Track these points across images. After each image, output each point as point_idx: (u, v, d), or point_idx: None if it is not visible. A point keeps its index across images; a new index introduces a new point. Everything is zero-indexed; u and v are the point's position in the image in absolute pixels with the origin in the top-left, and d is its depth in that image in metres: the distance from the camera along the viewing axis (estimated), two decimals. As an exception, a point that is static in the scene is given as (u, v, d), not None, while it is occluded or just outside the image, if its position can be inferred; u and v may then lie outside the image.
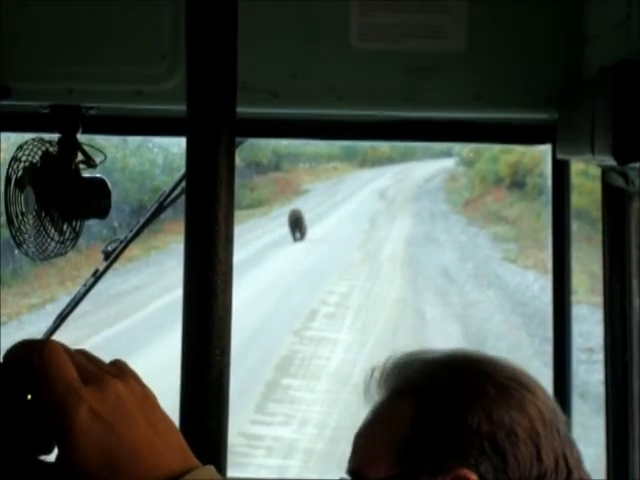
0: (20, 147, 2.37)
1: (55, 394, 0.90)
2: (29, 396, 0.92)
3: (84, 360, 0.95)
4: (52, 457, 0.93)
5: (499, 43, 2.28)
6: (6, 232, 2.44)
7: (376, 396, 1.50)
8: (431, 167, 42.46)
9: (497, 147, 19.56)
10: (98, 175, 2.40)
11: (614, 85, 1.73)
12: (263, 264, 21.42)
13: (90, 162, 2.36)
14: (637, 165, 1.74)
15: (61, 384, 0.91)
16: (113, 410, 0.91)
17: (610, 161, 1.75)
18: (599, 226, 2.31)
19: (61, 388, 0.90)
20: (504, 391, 1.43)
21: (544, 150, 2.49)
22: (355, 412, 1.66)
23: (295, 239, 26.26)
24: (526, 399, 1.44)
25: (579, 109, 2.00)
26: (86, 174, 2.38)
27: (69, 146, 2.34)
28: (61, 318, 2.72)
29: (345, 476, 1.43)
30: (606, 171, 2.20)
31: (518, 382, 1.46)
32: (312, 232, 27.27)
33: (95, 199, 2.37)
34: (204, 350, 1.26)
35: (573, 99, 2.12)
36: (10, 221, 2.39)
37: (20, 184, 2.37)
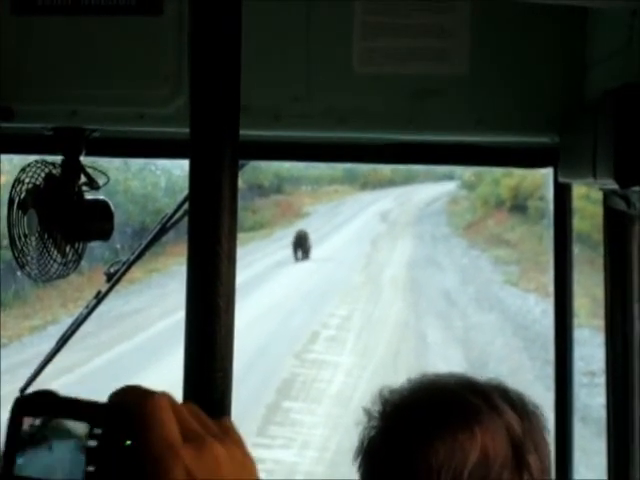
0: (23, 169, 2.38)
1: (153, 448, 0.90)
2: (128, 442, 0.92)
3: (189, 417, 0.94)
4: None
5: (501, 67, 2.28)
6: (8, 254, 2.44)
7: None
8: (433, 190, 42.57)
9: (499, 170, 19.57)
10: (101, 197, 2.40)
11: (616, 109, 1.73)
12: (264, 286, 21.43)
13: (93, 184, 2.36)
14: (639, 188, 1.74)
15: (160, 439, 0.90)
16: (208, 473, 0.90)
17: (612, 185, 1.75)
18: (601, 249, 2.31)
19: (160, 443, 0.90)
20: None
21: (545, 173, 2.49)
22: (356, 435, 1.67)
23: (298, 259, 26.31)
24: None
25: (581, 133, 2.00)
26: (89, 196, 2.38)
27: (72, 168, 2.35)
28: (63, 340, 2.72)
29: None
30: (608, 194, 2.20)
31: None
32: (313, 254, 27.30)
33: (98, 221, 2.38)
34: (206, 372, 1.26)
35: (575, 123, 2.12)
36: (13, 243, 2.39)
37: (23, 206, 2.38)
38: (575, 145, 2.07)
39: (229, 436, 0.95)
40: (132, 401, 0.93)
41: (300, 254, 26.79)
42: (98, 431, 0.93)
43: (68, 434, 0.93)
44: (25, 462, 0.93)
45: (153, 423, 0.90)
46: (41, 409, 0.95)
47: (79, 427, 0.93)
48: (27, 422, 0.94)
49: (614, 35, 1.99)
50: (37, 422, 0.94)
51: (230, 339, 1.26)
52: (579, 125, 2.06)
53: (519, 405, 1.64)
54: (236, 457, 0.93)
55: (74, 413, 0.94)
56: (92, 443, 0.92)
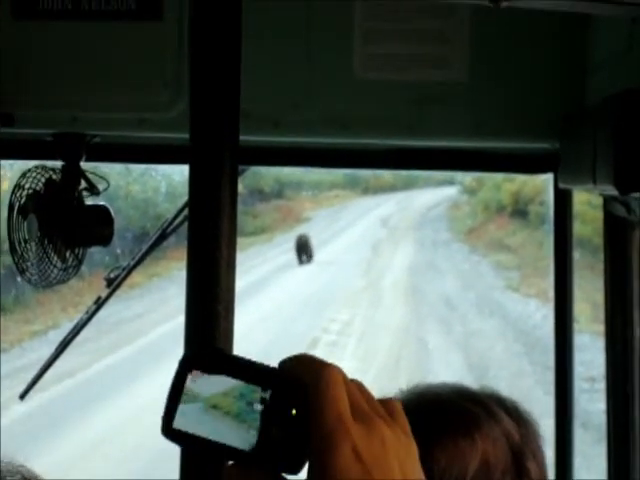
0: (23, 174, 2.38)
1: (325, 423, 0.88)
2: (294, 411, 0.91)
3: (358, 394, 0.93)
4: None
5: (501, 73, 2.28)
6: (9, 258, 2.45)
7: None
8: (433, 195, 42.57)
9: (499, 176, 19.58)
10: (101, 203, 2.40)
11: (616, 115, 1.73)
12: (264, 292, 21.42)
13: (93, 190, 2.36)
14: (639, 195, 1.74)
15: (333, 415, 0.89)
16: (375, 456, 0.88)
17: (612, 191, 1.75)
18: (601, 255, 2.31)
19: (332, 419, 0.88)
20: None
21: (546, 179, 2.50)
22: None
23: (303, 262, 26.41)
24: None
25: (581, 139, 2.00)
26: (89, 202, 2.38)
27: (72, 174, 2.35)
28: (63, 345, 2.72)
29: None
30: (608, 200, 2.21)
31: None
32: (314, 260, 27.30)
33: (98, 227, 2.38)
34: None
35: (575, 129, 2.12)
36: (13, 248, 2.39)
37: (23, 211, 2.38)
38: (575, 151, 2.07)
39: (395, 418, 0.93)
40: (307, 370, 0.92)
41: (305, 257, 26.91)
42: (265, 395, 0.92)
43: (233, 394, 0.92)
44: (186, 417, 0.92)
45: (328, 396, 0.89)
46: (210, 365, 0.94)
47: (245, 388, 0.92)
48: (195, 376, 0.94)
49: (614, 42, 1.99)
50: (204, 378, 0.94)
51: (230, 346, 1.26)
52: (579, 131, 2.06)
53: (515, 412, 1.64)
54: (401, 440, 0.92)
55: (243, 374, 0.93)
56: (257, 406, 0.92)
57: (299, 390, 0.91)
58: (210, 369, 0.94)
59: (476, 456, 1.53)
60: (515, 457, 1.58)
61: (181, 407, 0.93)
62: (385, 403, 0.95)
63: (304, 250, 26.94)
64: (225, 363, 0.95)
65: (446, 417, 1.60)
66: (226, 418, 0.92)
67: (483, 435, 1.55)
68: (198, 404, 0.93)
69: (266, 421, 0.91)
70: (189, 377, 0.94)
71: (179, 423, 0.93)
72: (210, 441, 0.91)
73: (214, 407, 0.92)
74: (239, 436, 0.91)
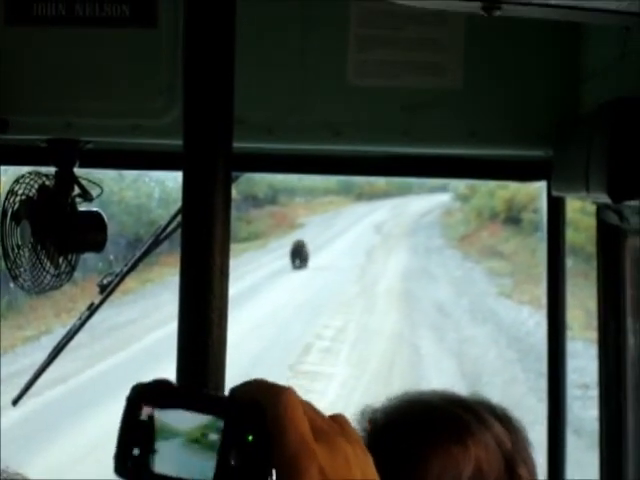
0: (17, 180, 2.38)
1: (288, 446, 0.88)
2: (250, 437, 0.90)
3: (313, 414, 0.92)
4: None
5: (495, 80, 2.29)
6: (1, 265, 2.44)
7: None
8: (427, 202, 42.58)
9: (493, 182, 19.60)
10: (94, 209, 2.40)
11: (609, 123, 1.74)
12: (258, 298, 21.39)
13: (87, 196, 2.36)
14: (632, 203, 1.75)
15: (295, 437, 0.88)
16: (341, 474, 0.88)
17: (605, 199, 1.75)
18: (594, 262, 2.32)
19: (295, 441, 0.88)
20: None
21: (539, 186, 2.50)
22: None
23: (296, 267, 26.49)
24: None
25: (574, 146, 2.00)
26: (82, 208, 2.38)
27: (66, 180, 2.35)
28: (56, 351, 2.72)
29: None
30: (601, 208, 2.21)
31: None
32: (308, 266, 27.30)
33: (91, 233, 2.37)
34: (198, 385, 1.25)
35: (568, 136, 2.12)
36: (6, 254, 2.39)
37: (16, 217, 2.37)
38: (568, 159, 2.07)
39: (349, 433, 0.93)
40: (263, 395, 0.91)
41: (298, 262, 26.97)
42: (220, 424, 0.90)
43: (188, 427, 0.91)
44: (141, 452, 0.91)
45: (289, 419, 0.89)
46: (161, 399, 0.92)
47: (197, 419, 0.91)
48: (145, 412, 0.92)
49: (608, 50, 1.99)
50: (155, 413, 0.92)
51: (223, 353, 1.26)
52: (572, 139, 2.06)
53: (505, 419, 1.64)
54: (359, 455, 0.91)
55: (195, 405, 0.91)
56: (213, 436, 0.90)
57: (255, 415, 0.90)
58: (162, 403, 0.92)
59: (469, 462, 1.53)
60: (507, 464, 1.58)
61: (134, 446, 0.91)
62: (335, 418, 0.95)
63: (299, 255, 27.04)
64: (175, 395, 0.93)
65: (438, 424, 1.59)
66: (184, 451, 0.90)
67: (476, 441, 1.55)
68: (157, 441, 0.91)
69: (223, 450, 0.90)
70: (142, 412, 0.92)
71: (130, 461, 0.91)
72: (165, 476, 0.90)
73: (171, 441, 0.91)
74: (199, 468, 0.90)
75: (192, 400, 0.92)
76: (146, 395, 0.93)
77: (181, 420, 0.91)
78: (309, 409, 0.92)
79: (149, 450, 0.91)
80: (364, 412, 1.65)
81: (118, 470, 0.92)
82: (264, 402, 0.90)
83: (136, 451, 0.91)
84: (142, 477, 0.91)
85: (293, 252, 27.28)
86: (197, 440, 0.90)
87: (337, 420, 0.94)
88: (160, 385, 0.94)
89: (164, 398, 0.92)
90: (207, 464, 0.90)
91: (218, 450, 0.90)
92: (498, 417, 1.63)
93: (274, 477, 0.90)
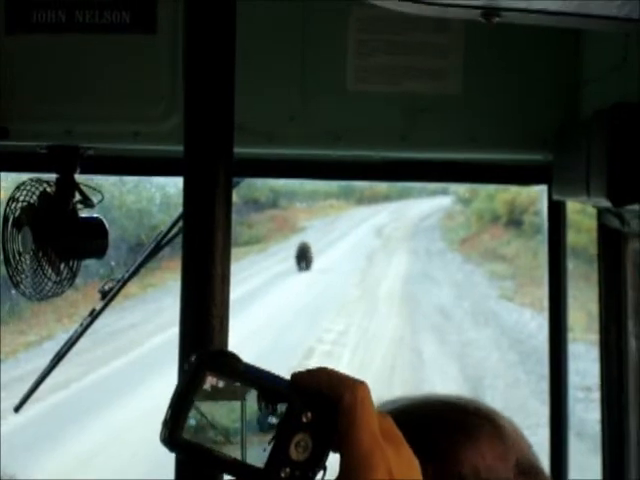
0: (18, 187, 2.38)
1: (362, 442, 0.87)
2: (313, 426, 0.88)
3: (378, 412, 0.91)
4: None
5: (495, 85, 2.29)
6: (2, 271, 2.44)
7: None
8: (428, 205, 42.54)
9: (493, 186, 19.57)
10: (95, 215, 2.40)
11: (609, 127, 1.74)
12: (258, 302, 21.38)
13: (88, 202, 2.36)
14: (633, 207, 1.75)
15: (368, 434, 0.87)
16: (405, 475, 0.88)
17: (605, 203, 1.75)
18: (596, 264, 2.32)
19: (368, 438, 0.87)
20: None
21: (540, 189, 2.50)
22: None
23: (302, 269, 26.72)
24: None
25: (574, 151, 2.01)
26: (83, 214, 2.38)
27: (67, 186, 2.35)
28: (58, 357, 2.72)
29: None
30: (602, 212, 2.21)
31: None
32: (310, 269, 27.31)
33: (92, 239, 2.37)
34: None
35: (568, 141, 2.12)
36: (7, 261, 2.39)
37: (18, 224, 2.37)
38: (569, 163, 2.07)
39: (402, 437, 0.92)
40: (336, 387, 0.89)
41: (304, 265, 27.14)
42: (282, 408, 0.88)
43: (247, 404, 0.88)
44: (194, 426, 0.87)
45: (365, 414, 0.87)
46: (227, 371, 0.89)
47: (261, 399, 0.88)
48: (209, 382, 0.88)
49: (608, 55, 2.00)
50: (220, 383, 0.88)
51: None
52: (573, 143, 2.06)
53: (512, 427, 1.63)
54: (414, 460, 0.91)
55: (259, 383, 0.89)
56: (272, 419, 0.88)
57: (321, 405, 0.88)
58: (226, 374, 0.89)
59: (479, 469, 1.52)
60: (519, 470, 1.57)
61: (191, 415, 0.87)
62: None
63: (304, 258, 27.27)
64: (241, 370, 0.90)
65: (447, 428, 1.59)
66: (236, 430, 0.87)
67: (486, 447, 1.54)
68: (209, 413, 0.87)
69: (281, 436, 0.88)
70: (206, 381, 0.88)
71: (186, 432, 0.87)
72: (218, 455, 0.87)
73: (225, 417, 0.88)
74: (254, 450, 0.87)
75: (257, 378, 0.90)
76: (212, 364, 0.89)
77: (240, 394, 0.88)
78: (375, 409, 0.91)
79: (207, 422, 0.87)
80: None
81: (169, 439, 0.87)
82: (336, 393, 0.88)
83: (192, 422, 0.88)
84: (195, 450, 0.87)
85: (298, 254, 27.49)
86: (256, 420, 0.88)
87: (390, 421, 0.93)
88: (227, 356, 0.91)
89: (229, 370, 0.89)
90: (261, 446, 0.88)
91: (276, 434, 0.88)
92: (507, 425, 1.62)
93: (326, 470, 0.89)
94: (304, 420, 0.88)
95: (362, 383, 0.90)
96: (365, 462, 0.86)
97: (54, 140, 2.28)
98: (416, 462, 0.90)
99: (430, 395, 1.68)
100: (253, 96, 2.18)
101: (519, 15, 1.22)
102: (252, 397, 0.89)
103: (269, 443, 0.88)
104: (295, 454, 0.88)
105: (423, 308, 21.81)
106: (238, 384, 0.89)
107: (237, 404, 0.88)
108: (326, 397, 0.88)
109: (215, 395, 0.88)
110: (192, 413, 0.87)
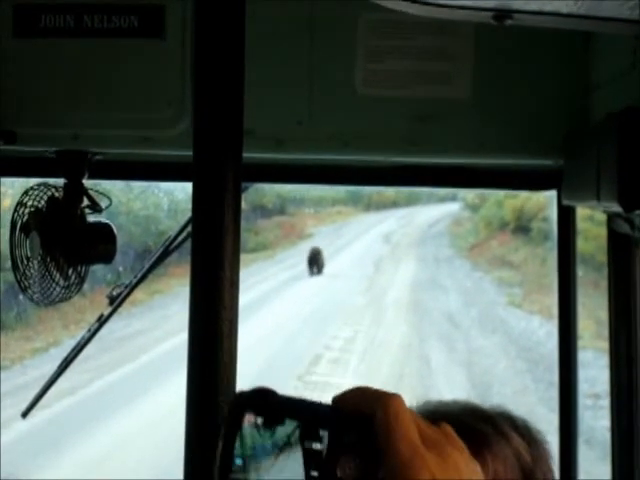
0: (26, 192, 2.38)
1: (400, 453, 0.87)
2: (357, 448, 0.88)
3: (420, 421, 0.91)
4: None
5: (504, 89, 2.28)
6: (10, 275, 2.44)
7: None
8: (436, 211, 42.58)
9: (502, 192, 19.60)
10: (103, 220, 2.40)
11: (619, 132, 1.73)
12: (266, 309, 21.38)
13: (96, 207, 2.36)
14: (643, 212, 1.74)
15: (407, 444, 0.87)
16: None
17: (616, 208, 1.74)
18: (605, 272, 2.31)
19: (407, 448, 0.87)
20: None
21: (549, 195, 2.49)
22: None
23: (314, 273, 27.13)
24: None
25: (584, 156, 2.00)
26: (91, 219, 2.38)
27: (74, 191, 2.34)
28: (65, 363, 2.71)
29: None
30: (611, 217, 2.20)
31: None
32: (316, 277, 27.35)
33: (100, 244, 2.37)
34: (209, 396, 1.25)
35: (578, 146, 2.12)
36: (15, 266, 2.39)
37: (25, 229, 2.37)
38: (579, 168, 2.06)
39: (455, 442, 0.93)
40: (369, 402, 0.90)
41: (315, 269, 27.62)
42: (324, 433, 0.89)
43: (286, 435, 0.89)
44: (244, 463, 0.89)
45: (400, 427, 0.88)
46: (263, 407, 0.91)
47: (302, 428, 0.89)
48: (247, 420, 0.90)
49: (618, 58, 1.99)
50: (259, 420, 0.90)
51: (233, 363, 1.25)
52: (583, 148, 2.05)
53: (526, 432, 1.62)
54: (469, 465, 0.91)
55: (298, 413, 0.90)
56: (316, 446, 0.89)
57: (360, 425, 0.89)
58: (265, 412, 0.90)
59: (487, 476, 1.51)
60: (526, 478, 1.56)
61: (237, 453, 0.89)
62: (440, 428, 0.94)
63: (315, 262, 27.68)
64: (278, 404, 0.91)
65: (472, 436, 1.57)
66: (285, 460, 0.89)
67: (493, 455, 1.53)
68: (255, 449, 0.89)
69: (328, 461, 0.88)
70: (245, 421, 0.90)
71: (236, 472, 0.89)
72: None
73: (269, 451, 0.89)
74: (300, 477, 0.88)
75: (295, 409, 0.91)
76: (249, 403, 0.91)
77: (284, 429, 0.90)
78: (416, 417, 0.91)
79: (251, 460, 0.89)
80: None
81: None
82: (371, 410, 0.89)
83: (239, 461, 0.89)
84: None
85: (310, 259, 27.84)
86: (300, 449, 0.89)
87: (443, 429, 0.94)
88: (263, 393, 0.92)
89: (267, 407, 0.91)
90: (309, 474, 0.88)
91: (323, 460, 0.88)
92: (519, 430, 1.61)
93: None
94: (347, 441, 0.89)
95: (394, 395, 0.90)
96: (406, 472, 0.86)
97: (62, 145, 2.27)
98: (465, 465, 0.90)
99: (436, 405, 1.67)
100: (262, 101, 2.17)
101: (530, 17, 1.21)
102: (293, 428, 0.90)
103: (317, 470, 0.89)
104: (344, 476, 0.88)
105: (431, 315, 21.80)
106: (278, 417, 0.90)
107: (280, 437, 0.89)
108: (365, 415, 0.89)
109: (257, 432, 0.90)
110: (237, 451, 0.89)
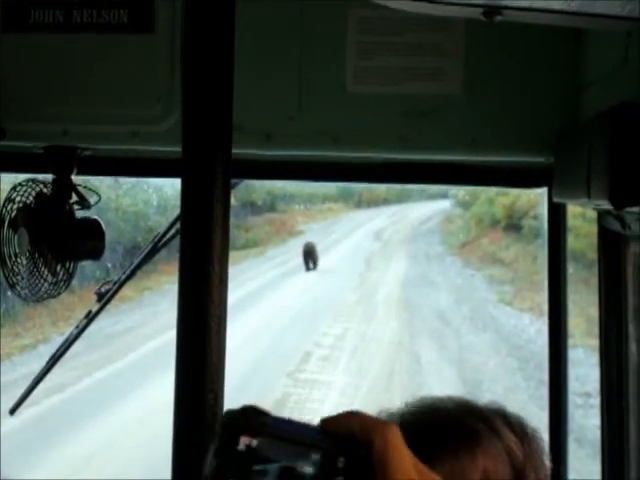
0: (14, 188, 2.37)
1: None
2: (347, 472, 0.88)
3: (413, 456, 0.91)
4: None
5: (496, 87, 2.28)
6: (-2, 272, 2.43)
7: None
8: (427, 209, 42.65)
9: (493, 189, 19.61)
10: (92, 216, 2.39)
11: (610, 129, 1.73)
12: (256, 306, 21.38)
13: (84, 203, 2.35)
14: (634, 209, 1.73)
15: (402, 475, 0.88)
16: None
17: (606, 205, 1.74)
18: (595, 269, 2.30)
19: (403, 479, 0.88)
20: None
21: (540, 193, 2.49)
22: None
23: (310, 268, 27.30)
24: None
25: (575, 153, 1.99)
26: (80, 215, 2.37)
27: (63, 187, 2.33)
28: (53, 360, 2.71)
29: None
30: (602, 215, 2.20)
31: None
32: (307, 273, 27.37)
33: (89, 240, 2.36)
34: (197, 393, 1.24)
35: (569, 143, 2.11)
36: (3, 262, 2.38)
37: (14, 225, 2.36)
38: (569, 165, 2.06)
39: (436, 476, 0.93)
40: (367, 431, 0.90)
41: (310, 264, 28.11)
42: (316, 457, 0.89)
43: (279, 457, 0.88)
44: None
45: (398, 458, 0.88)
46: (256, 428, 0.89)
47: (291, 450, 0.89)
48: (242, 442, 0.88)
49: (609, 55, 1.99)
50: (254, 443, 0.88)
51: (222, 360, 1.25)
52: (573, 145, 2.05)
53: (519, 429, 1.62)
54: None
55: (289, 434, 0.89)
56: (307, 469, 0.88)
57: (354, 450, 0.89)
58: (258, 433, 0.89)
59: (477, 472, 1.51)
60: (517, 475, 1.56)
61: (231, 478, 0.87)
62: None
63: (310, 257, 27.96)
64: (269, 425, 0.90)
65: (447, 432, 1.58)
66: None
67: (485, 452, 1.53)
68: (252, 471, 0.87)
69: None
70: (239, 442, 0.88)
71: None
72: None
73: (265, 472, 0.88)
74: None
75: (286, 430, 0.90)
76: (243, 425, 0.89)
77: (275, 450, 0.88)
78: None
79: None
80: (380, 415, 1.63)
81: None
82: (367, 437, 0.89)
83: None
84: None
85: (305, 254, 28.02)
86: (291, 471, 0.88)
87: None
88: (255, 414, 0.91)
89: (260, 427, 0.89)
90: None
91: None
92: (512, 427, 1.61)
93: None
94: (339, 465, 0.89)
95: (392, 425, 0.91)
96: None
97: (51, 140, 2.27)
98: None
99: (431, 401, 1.66)
100: (251, 96, 2.17)
101: (520, 14, 1.21)
102: (285, 450, 0.89)
103: None
104: None
105: (422, 312, 21.82)
106: (271, 439, 0.89)
107: (273, 459, 0.88)
108: (357, 441, 0.89)
109: (251, 454, 0.88)
110: (232, 475, 0.88)
